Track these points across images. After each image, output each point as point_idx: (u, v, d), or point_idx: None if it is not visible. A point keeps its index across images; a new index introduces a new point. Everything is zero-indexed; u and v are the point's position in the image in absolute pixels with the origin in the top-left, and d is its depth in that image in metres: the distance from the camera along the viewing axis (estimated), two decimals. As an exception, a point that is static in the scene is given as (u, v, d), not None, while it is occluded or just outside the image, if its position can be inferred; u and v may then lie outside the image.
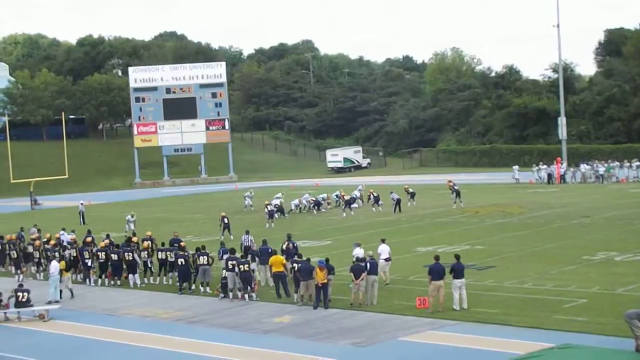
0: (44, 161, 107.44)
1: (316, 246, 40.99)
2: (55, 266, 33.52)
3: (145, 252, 36.72)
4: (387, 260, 31.96)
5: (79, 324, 29.21)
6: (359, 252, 31.76)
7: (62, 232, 44.28)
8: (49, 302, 31.59)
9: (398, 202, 57.78)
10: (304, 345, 24.35)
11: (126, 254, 36.22)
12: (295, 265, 30.49)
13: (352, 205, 59.90)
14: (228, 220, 49.96)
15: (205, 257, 33.22)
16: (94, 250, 38.11)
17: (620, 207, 52.90)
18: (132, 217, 54.99)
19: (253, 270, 31.92)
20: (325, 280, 28.83)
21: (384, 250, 32.29)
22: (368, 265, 29.03)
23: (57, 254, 38.00)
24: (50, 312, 30.38)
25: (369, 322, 26.54)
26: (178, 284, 34.20)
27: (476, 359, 22.08)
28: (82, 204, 66.04)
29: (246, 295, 31.08)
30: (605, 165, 75.21)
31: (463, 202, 58.99)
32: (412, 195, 61.89)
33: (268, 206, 55.21)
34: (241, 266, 30.98)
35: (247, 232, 38.16)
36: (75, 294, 34.49)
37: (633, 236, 40.72)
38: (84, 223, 61.27)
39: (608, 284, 29.49)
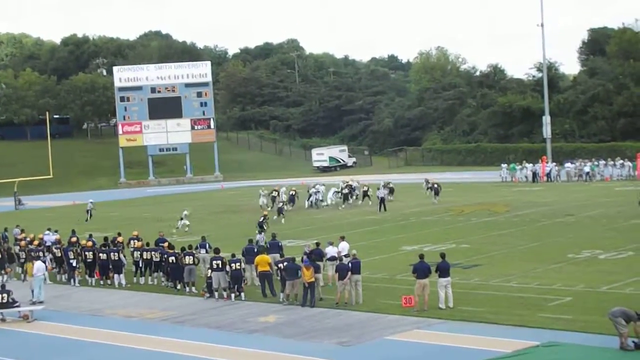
0: (28, 161, 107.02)
1: (302, 245, 40.91)
2: (39, 267, 33.30)
3: (139, 252, 36.59)
4: (346, 256, 31.80)
5: (63, 325, 29.08)
6: (331, 250, 31.94)
7: (47, 232, 44.10)
8: (33, 303, 31.46)
9: (382, 200, 57.92)
10: (289, 344, 24.33)
11: (112, 253, 36.14)
12: (281, 264, 30.49)
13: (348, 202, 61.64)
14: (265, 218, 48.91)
15: (191, 257, 33.22)
16: (79, 249, 37.99)
17: (604, 205, 53.10)
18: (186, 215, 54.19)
19: (244, 270, 31.87)
20: (313, 279, 28.88)
21: (344, 247, 32.34)
22: (350, 264, 29.04)
23: (41, 254, 37.94)
24: (34, 313, 30.25)
25: (355, 321, 26.54)
26: (171, 283, 34.14)
27: (462, 358, 22.10)
28: (91, 202, 66.35)
29: (232, 295, 31.04)
30: (590, 163, 75.50)
31: (437, 200, 60.63)
32: (391, 190, 62.91)
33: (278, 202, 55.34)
34: (233, 265, 30.96)
35: (260, 232, 37.83)
36: (59, 294, 34.49)
37: (617, 234, 40.91)
38: (88, 220, 62.41)
39: (593, 282, 29.60)
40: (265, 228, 46.96)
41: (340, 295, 28.74)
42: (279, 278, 30.82)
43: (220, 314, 28.99)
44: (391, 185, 63.82)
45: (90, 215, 64.05)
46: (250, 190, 76.92)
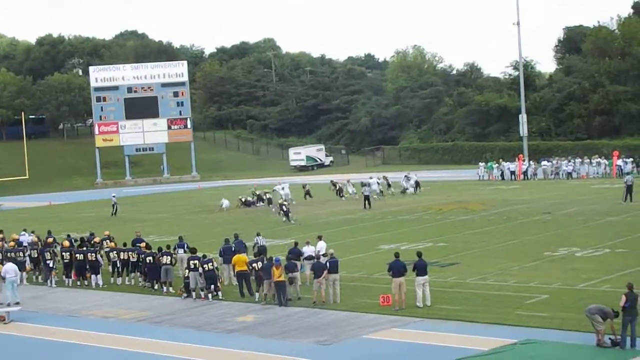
0: (3, 162, 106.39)
1: (280, 244, 40.95)
2: (8, 269, 32.66)
3: (115, 252, 36.46)
4: (324, 256, 31.86)
5: (40, 326, 28.93)
6: (308, 250, 32.01)
7: (22, 233, 43.84)
8: (9, 304, 31.22)
9: (367, 198, 58.15)
10: (267, 344, 24.30)
11: (89, 254, 35.97)
12: (255, 264, 30.40)
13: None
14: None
15: (168, 257, 33.13)
16: (56, 250, 37.79)
17: (581, 203, 53.37)
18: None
19: (217, 269, 31.84)
20: (282, 278, 28.85)
21: (321, 247, 32.45)
22: (328, 263, 29.05)
23: (21, 255, 37.75)
24: (10, 314, 30.04)
25: (333, 320, 26.55)
26: (148, 283, 34.04)
27: (439, 356, 22.13)
28: (114, 196, 67.85)
29: (209, 295, 30.98)
30: (565, 161, 75.88)
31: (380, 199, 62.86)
32: (417, 184, 67.50)
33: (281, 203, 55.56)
34: (205, 265, 30.92)
35: (259, 234, 37.70)
36: (36, 295, 34.30)
37: (594, 232, 41.11)
38: (115, 214, 65.05)
39: (569, 279, 29.73)
40: (290, 214, 52.24)
41: (317, 294, 28.75)
42: (253, 277, 30.83)
43: (198, 314, 28.93)
44: (415, 178, 68.53)
45: (116, 210, 65.72)
46: (228, 190, 76.87)
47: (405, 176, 69.83)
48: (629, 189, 52.50)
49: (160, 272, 33.21)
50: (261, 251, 34.79)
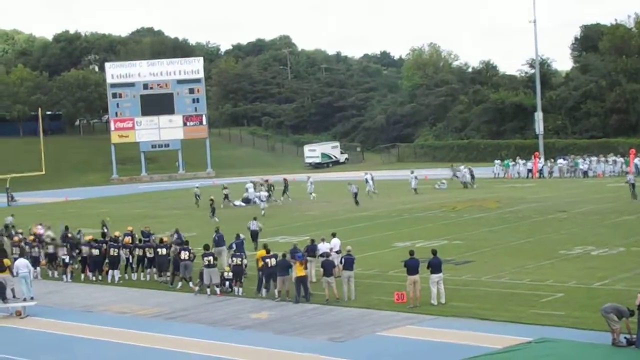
0: (20, 157, 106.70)
1: (293, 242, 40.88)
2: (19, 264, 32.53)
3: (128, 249, 36.59)
4: (338, 253, 32.00)
5: (56, 321, 29.05)
6: (323, 247, 32.08)
7: (39, 227, 43.99)
8: (24, 299, 31.32)
9: (355, 195, 58.67)
10: (281, 340, 24.33)
11: (111, 249, 36.06)
12: (269, 260, 30.32)
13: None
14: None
15: (187, 252, 33.19)
16: (77, 244, 38.02)
17: (596, 201, 53.18)
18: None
19: (246, 266, 31.96)
20: (304, 274, 28.94)
21: (335, 244, 32.58)
22: (343, 260, 29.09)
23: (36, 250, 37.96)
24: (27, 309, 30.18)
25: (347, 317, 26.56)
26: (161, 276, 34.24)
27: (454, 354, 22.08)
28: (197, 187, 69.67)
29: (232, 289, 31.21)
30: (581, 160, 75.62)
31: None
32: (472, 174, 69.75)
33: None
34: (234, 259, 31.44)
35: (255, 218, 39.69)
36: (52, 290, 34.44)
37: (609, 230, 40.97)
38: (197, 205, 65.52)
39: (584, 278, 29.64)
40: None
41: (329, 292, 28.75)
42: (245, 274, 31.49)
43: (212, 310, 28.99)
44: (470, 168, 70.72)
45: (198, 200, 66.60)
46: (243, 186, 76.69)
47: (455, 169, 72.24)
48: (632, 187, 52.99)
49: (168, 264, 33.54)
50: (252, 235, 35.58)
